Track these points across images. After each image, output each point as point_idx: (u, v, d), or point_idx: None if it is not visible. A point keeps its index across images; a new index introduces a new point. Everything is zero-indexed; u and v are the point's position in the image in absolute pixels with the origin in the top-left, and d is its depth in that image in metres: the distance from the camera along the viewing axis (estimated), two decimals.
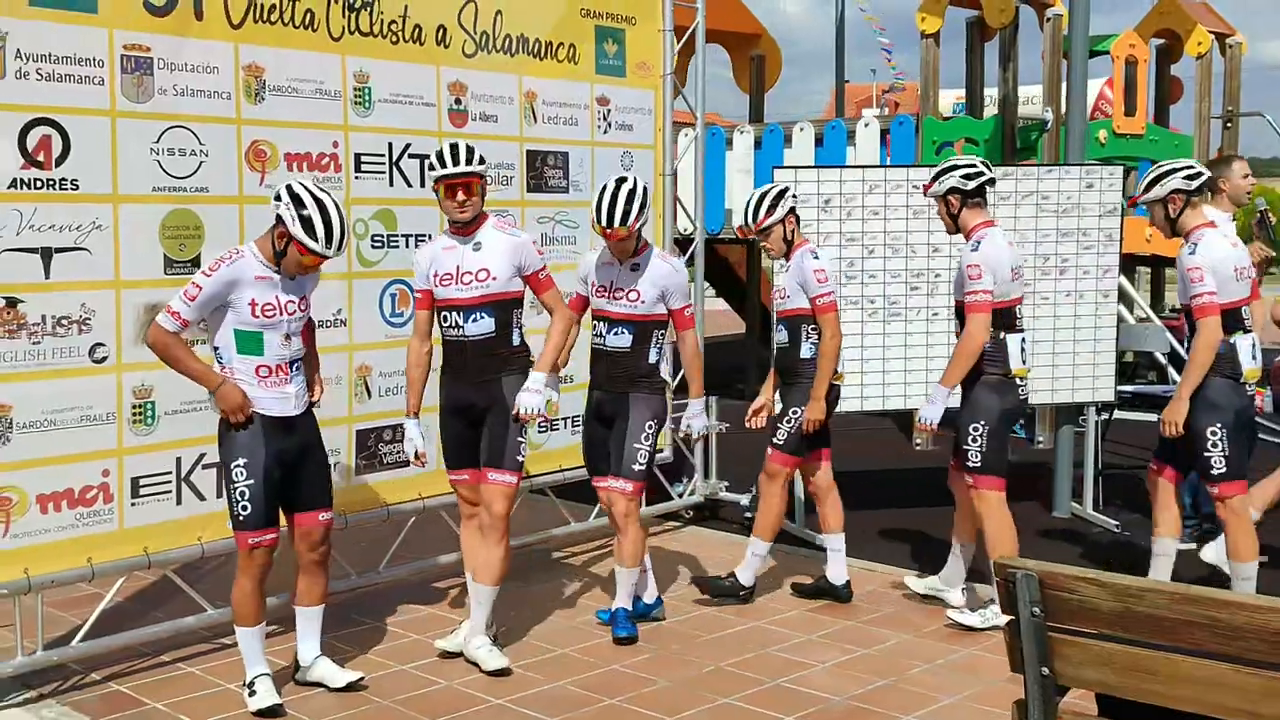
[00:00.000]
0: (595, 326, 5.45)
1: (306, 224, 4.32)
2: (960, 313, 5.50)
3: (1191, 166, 5.37)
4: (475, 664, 4.98)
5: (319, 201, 4.36)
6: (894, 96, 23.23)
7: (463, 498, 5.22)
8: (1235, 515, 5.32)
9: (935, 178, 5.63)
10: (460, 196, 4.87)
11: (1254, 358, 5.34)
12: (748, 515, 7.31)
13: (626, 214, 5.17)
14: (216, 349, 4.48)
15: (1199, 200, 5.40)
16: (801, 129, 10.29)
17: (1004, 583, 2.72)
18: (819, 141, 10.21)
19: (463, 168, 4.84)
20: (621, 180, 5.26)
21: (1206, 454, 5.26)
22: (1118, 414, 10.41)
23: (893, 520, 7.56)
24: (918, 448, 9.73)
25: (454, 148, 4.89)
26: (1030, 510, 7.71)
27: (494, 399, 4.99)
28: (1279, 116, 12.69)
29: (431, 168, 4.91)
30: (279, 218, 4.37)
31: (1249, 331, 5.34)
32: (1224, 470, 5.23)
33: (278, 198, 4.38)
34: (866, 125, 9.91)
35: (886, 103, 23.48)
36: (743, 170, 10.70)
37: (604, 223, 5.19)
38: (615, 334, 5.38)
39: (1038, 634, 2.70)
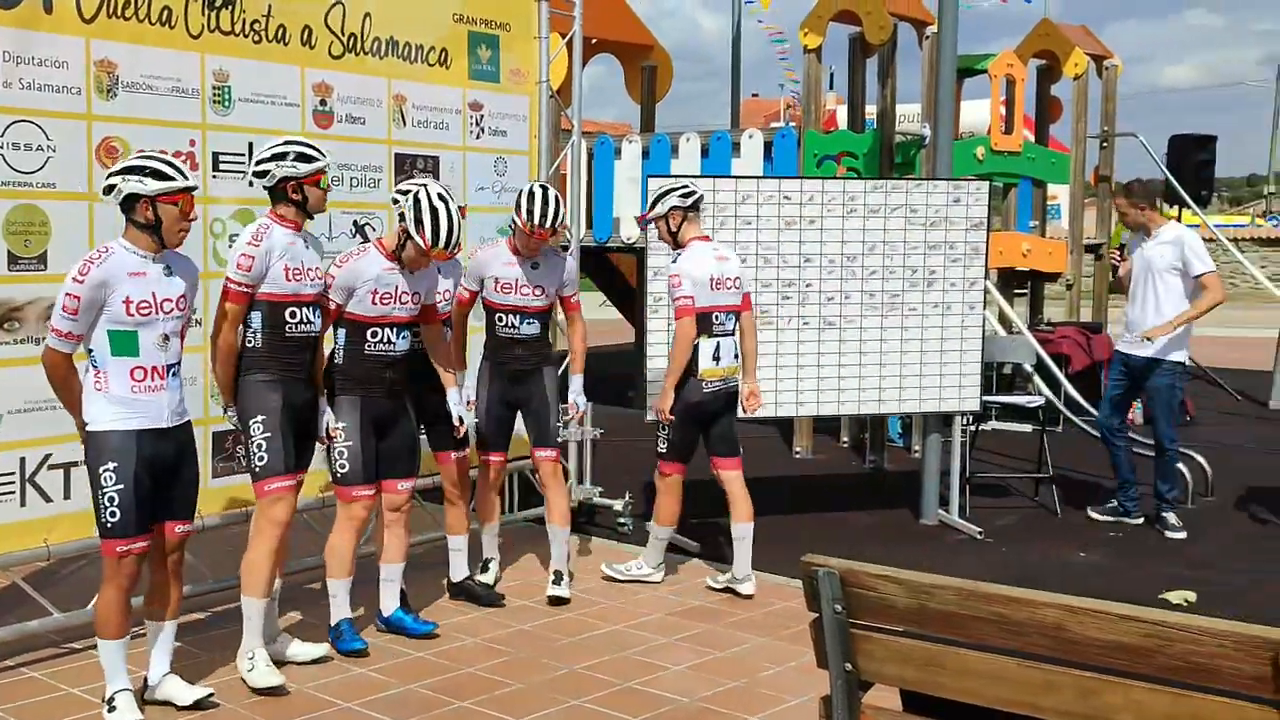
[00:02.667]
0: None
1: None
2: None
3: (686, 185, 6.20)
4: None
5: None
6: (797, 113, 23.52)
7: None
8: (667, 487, 6.30)
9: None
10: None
11: (715, 359, 6.13)
12: (621, 521, 7.36)
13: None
14: (90, 351, 4.31)
15: (694, 215, 6.19)
16: (688, 139, 10.37)
17: (807, 579, 2.78)
18: (705, 152, 10.29)
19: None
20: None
21: (658, 435, 6.23)
22: (994, 424, 10.71)
23: (769, 527, 7.62)
24: (797, 456, 9.87)
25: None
26: (899, 517, 7.87)
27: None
28: (1161, 138, 13.15)
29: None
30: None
31: (715, 336, 6.10)
32: (665, 450, 6.21)
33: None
34: (750, 137, 10.02)
35: (792, 116, 23.78)
36: (631, 179, 10.75)
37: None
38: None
39: (840, 630, 2.76)
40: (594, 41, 12.31)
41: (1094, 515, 7.76)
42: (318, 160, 4.82)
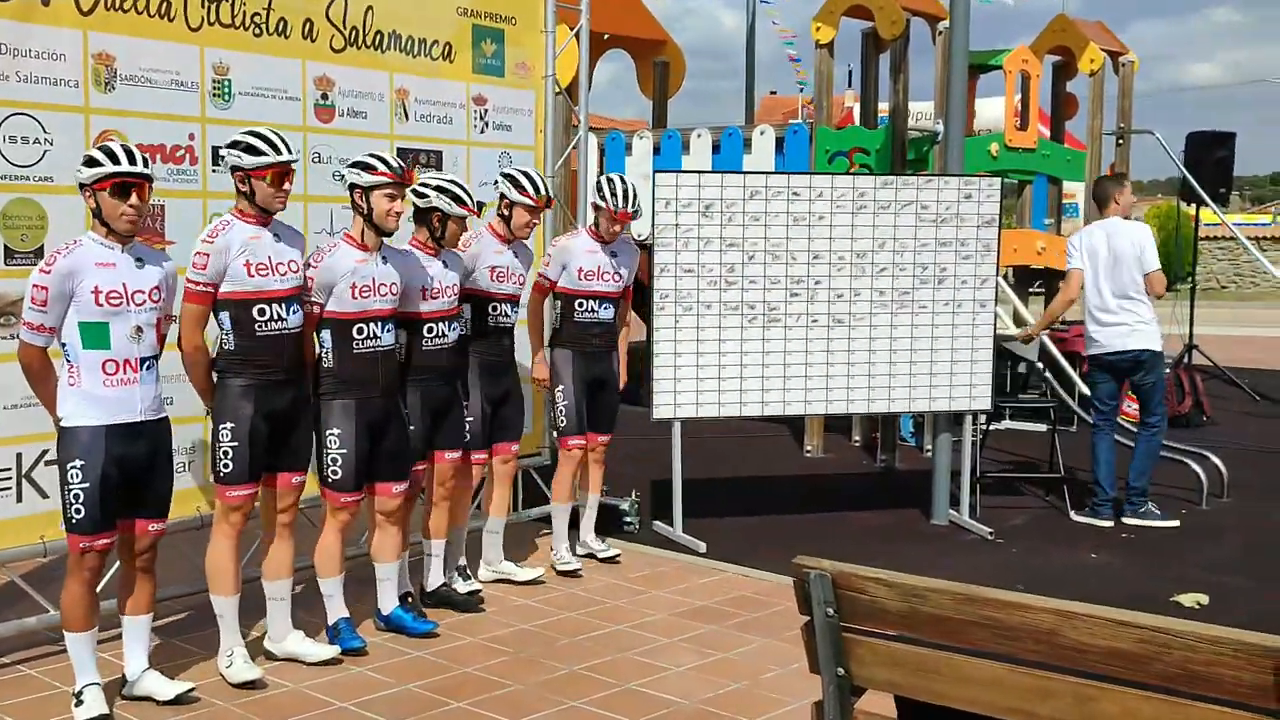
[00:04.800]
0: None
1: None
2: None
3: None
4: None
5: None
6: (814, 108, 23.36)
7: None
8: (565, 460, 6.54)
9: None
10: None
11: None
12: (627, 520, 7.29)
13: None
14: (64, 345, 4.29)
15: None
16: (699, 135, 10.29)
17: (798, 582, 2.71)
18: (716, 149, 10.22)
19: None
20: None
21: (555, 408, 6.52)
22: (1007, 424, 10.61)
23: (777, 526, 7.56)
24: (808, 455, 9.79)
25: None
26: (910, 516, 7.79)
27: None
28: (1183, 136, 12.99)
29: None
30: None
31: None
32: (565, 424, 6.46)
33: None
34: (762, 133, 9.94)
35: (809, 114, 23.64)
36: (642, 175, 10.67)
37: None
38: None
39: (832, 634, 2.70)
40: (606, 37, 12.24)
41: (1127, 520, 7.64)
42: (266, 155, 4.64)
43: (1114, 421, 7.70)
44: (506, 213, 5.95)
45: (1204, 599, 6.10)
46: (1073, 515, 7.71)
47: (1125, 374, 7.55)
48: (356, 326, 5.04)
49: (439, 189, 5.42)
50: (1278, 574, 6.64)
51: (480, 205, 5.51)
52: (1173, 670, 2.24)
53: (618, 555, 6.65)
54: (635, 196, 6.32)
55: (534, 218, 5.99)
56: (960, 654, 2.52)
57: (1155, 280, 7.39)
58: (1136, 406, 7.90)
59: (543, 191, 5.95)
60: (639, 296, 13.29)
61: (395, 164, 5.05)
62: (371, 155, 5.07)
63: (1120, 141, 12.25)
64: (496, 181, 6.03)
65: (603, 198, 6.27)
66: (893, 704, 2.77)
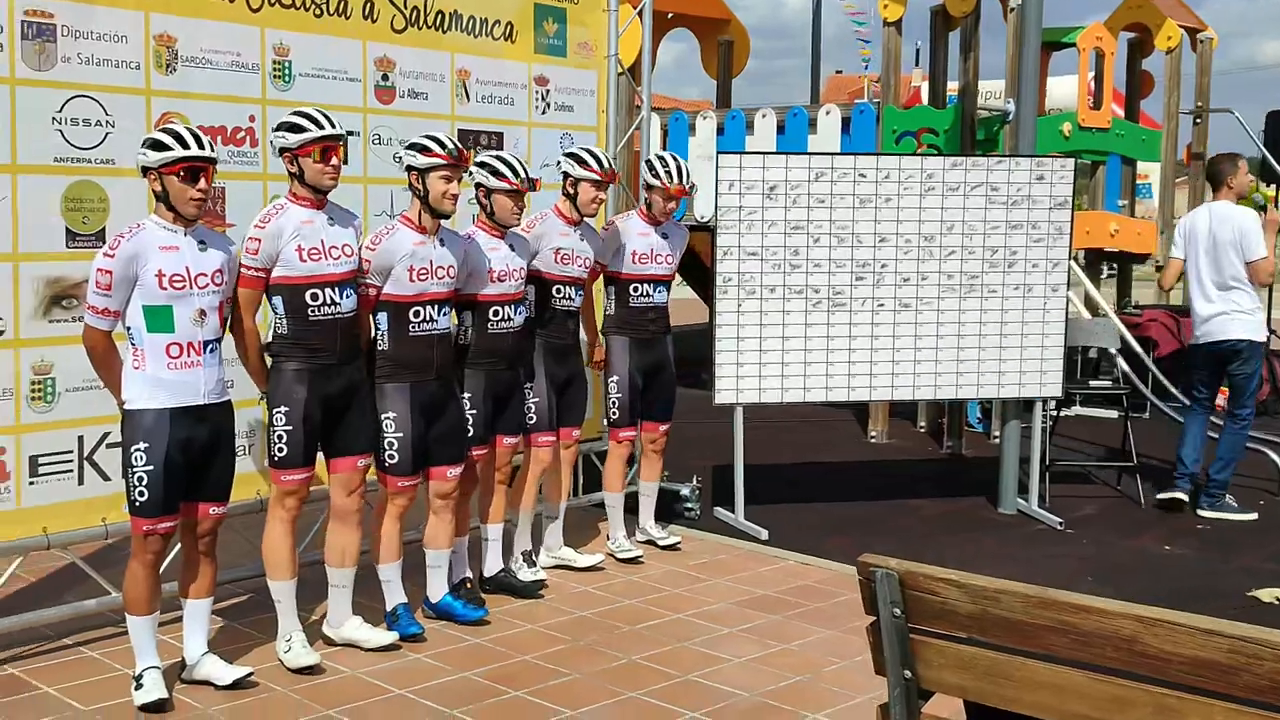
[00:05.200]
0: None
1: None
2: None
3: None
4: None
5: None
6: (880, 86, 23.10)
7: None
8: (616, 450, 6.49)
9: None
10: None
11: None
12: (688, 507, 7.21)
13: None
14: (129, 329, 4.30)
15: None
16: (764, 115, 10.15)
17: (864, 581, 2.62)
18: (780, 129, 10.08)
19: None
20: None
21: (606, 397, 6.42)
22: (1077, 410, 10.39)
23: (839, 514, 7.45)
24: (872, 441, 9.65)
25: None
26: (976, 505, 7.64)
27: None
28: (1259, 114, 12.64)
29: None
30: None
31: None
32: (617, 416, 6.37)
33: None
34: (828, 113, 9.78)
35: (875, 93, 23.36)
36: (705, 156, 10.56)
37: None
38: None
39: (899, 635, 2.60)
40: (670, 16, 12.13)
41: (1203, 513, 7.43)
42: (309, 131, 4.59)
43: (1210, 408, 7.50)
44: (572, 191, 5.87)
45: None
46: (1156, 496, 7.52)
47: (1223, 363, 7.32)
48: (413, 309, 4.99)
49: (481, 164, 5.37)
50: None
51: (531, 181, 5.39)
52: (1263, 683, 2.12)
53: (678, 543, 6.58)
54: (687, 172, 6.23)
55: (600, 193, 5.90)
56: (1033, 659, 2.42)
57: (1258, 269, 7.12)
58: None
59: (606, 166, 5.88)
60: (702, 278, 13.20)
61: (451, 145, 4.98)
62: (428, 136, 5.01)
63: (1198, 120, 11.94)
64: (559, 162, 5.96)
65: (655, 175, 6.17)
66: (960, 708, 2.67)
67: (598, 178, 5.86)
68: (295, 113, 4.68)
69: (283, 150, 4.66)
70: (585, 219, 5.97)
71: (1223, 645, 2.14)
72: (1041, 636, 2.38)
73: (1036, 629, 2.38)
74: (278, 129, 4.67)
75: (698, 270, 13.09)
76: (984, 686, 2.51)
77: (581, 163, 5.83)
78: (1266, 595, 5.91)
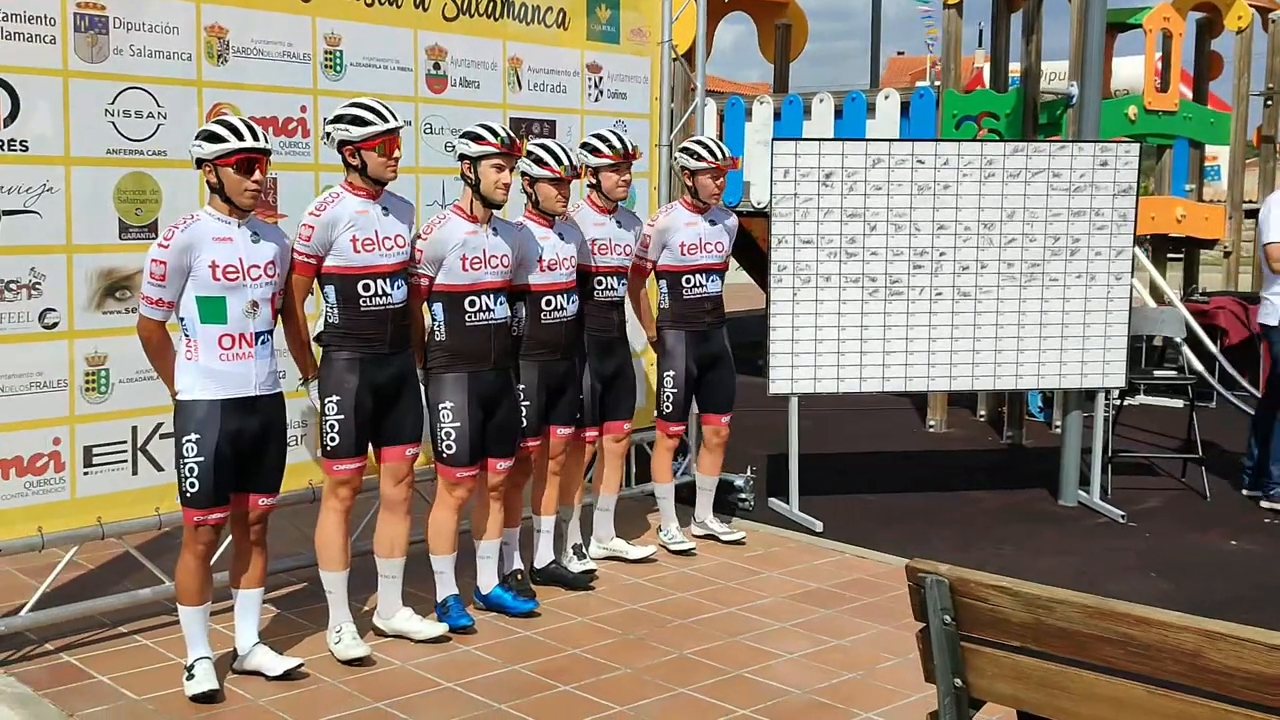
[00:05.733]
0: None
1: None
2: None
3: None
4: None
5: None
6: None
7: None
8: (665, 443, 6.37)
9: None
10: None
11: None
12: (742, 498, 7.15)
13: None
14: (182, 320, 4.31)
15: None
16: (821, 100, 10.04)
17: (915, 588, 2.55)
18: (838, 113, 9.96)
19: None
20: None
21: (660, 390, 6.28)
22: (1141, 399, 10.19)
23: (896, 505, 7.35)
24: (930, 430, 9.53)
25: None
26: (1036, 497, 7.52)
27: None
28: None
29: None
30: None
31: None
32: (670, 411, 6.25)
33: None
34: (886, 98, 9.64)
35: (937, 75, 23.09)
36: (762, 141, 10.46)
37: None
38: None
39: (950, 643, 2.53)
40: (727, 0, 12.03)
41: (1266, 505, 7.25)
42: (374, 124, 4.58)
43: None
44: (594, 180, 5.76)
45: None
46: (1243, 493, 7.36)
47: None
48: (468, 299, 4.96)
49: (525, 152, 5.31)
50: None
51: (574, 168, 5.33)
52: None
53: (743, 537, 6.46)
54: (724, 147, 6.12)
55: (621, 175, 5.68)
56: (1091, 670, 2.34)
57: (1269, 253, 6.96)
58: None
59: (618, 146, 5.64)
60: (760, 265, 13.11)
61: (504, 134, 4.94)
62: (481, 125, 4.97)
63: (1269, 103, 11.64)
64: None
65: (699, 158, 6.01)
66: (1012, 718, 2.59)
67: (611, 161, 5.66)
68: (356, 104, 4.66)
69: (344, 143, 4.64)
70: (620, 205, 5.82)
71: None
72: (1098, 648, 2.30)
73: (1093, 640, 2.30)
74: (338, 121, 4.64)
75: (757, 256, 12.99)
76: (1039, 698, 2.44)
77: (594, 150, 5.64)
78: None
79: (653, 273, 6.19)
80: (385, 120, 4.61)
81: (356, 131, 4.60)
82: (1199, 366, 8.91)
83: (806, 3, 12.69)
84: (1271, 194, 7.39)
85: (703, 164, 6.03)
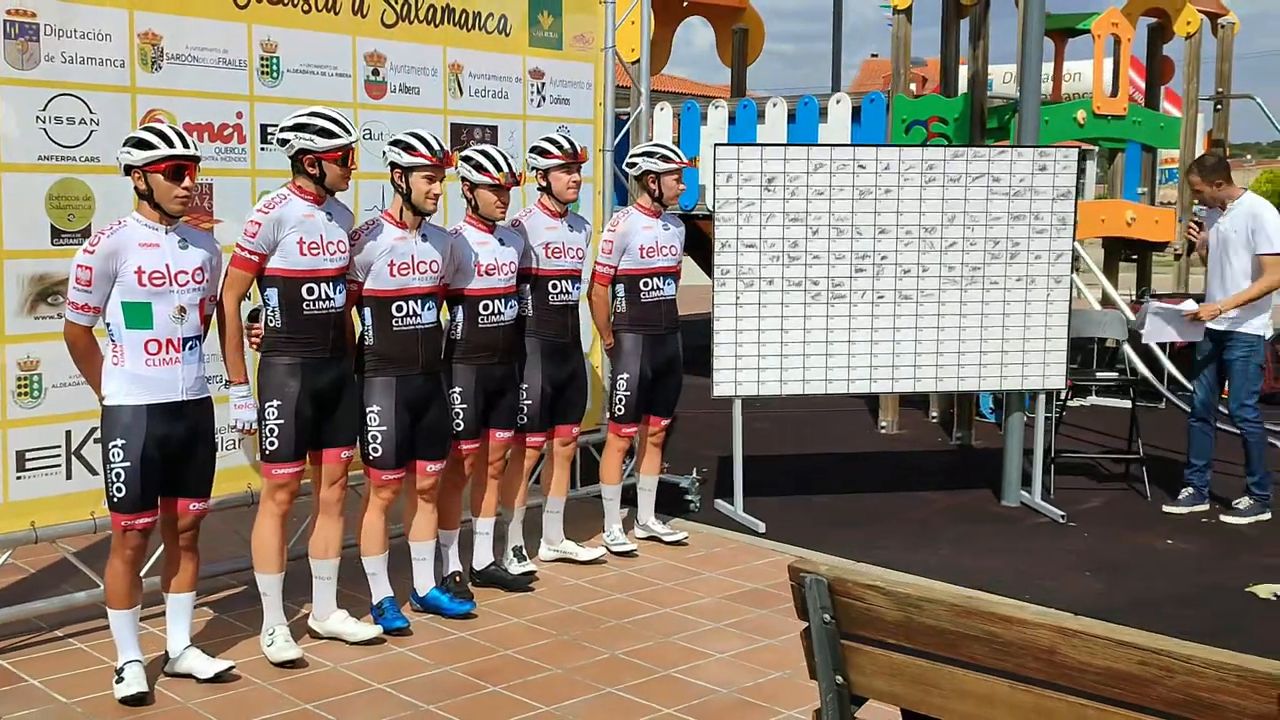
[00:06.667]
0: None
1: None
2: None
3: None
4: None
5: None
6: (919, 71, 22.93)
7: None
8: (616, 444, 6.45)
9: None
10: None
11: None
12: (689, 499, 7.21)
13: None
14: (108, 325, 4.35)
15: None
16: (774, 105, 10.11)
17: (796, 587, 2.61)
18: (792, 118, 10.03)
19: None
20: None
21: (613, 393, 6.38)
22: (1093, 400, 10.30)
23: (843, 506, 7.42)
24: (882, 431, 9.61)
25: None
26: (981, 497, 7.60)
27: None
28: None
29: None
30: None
31: None
32: (622, 413, 6.33)
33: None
34: (838, 102, 9.72)
35: (912, 78, 23.19)
36: (717, 145, 10.53)
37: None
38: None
39: (830, 641, 2.60)
40: (685, 4, 12.10)
41: (1169, 510, 7.32)
42: (340, 137, 4.66)
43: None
44: (545, 183, 5.81)
45: None
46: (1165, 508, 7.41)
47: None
48: (396, 304, 5.01)
49: (464, 158, 5.37)
50: None
51: (513, 175, 5.38)
52: (1175, 695, 2.10)
53: (685, 538, 6.54)
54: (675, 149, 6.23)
55: (571, 175, 5.75)
56: (959, 667, 2.40)
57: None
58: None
59: (567, 146, 5.74)
60: (709, 265, 13.18)
61: (436, 145, 5.00)
62: (412, 134, 5.02)
63: (1219, 107, 11.78)
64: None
65: (665, 160, 6.12)
66: (893, 714, 2.66)
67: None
68: (318, 114, 4.72)
69: (306, 151, 4.68)
70: (569, 208, 5.89)
71: (1135, 657, 2.13)
72: (965, 645, 2.37)
73: (960, 638, 2.37)
74: (300, 130, 4.68)
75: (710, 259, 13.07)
76: (914, 694, 2.51)
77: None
78: (1264, 591, 5.84)
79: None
80: (349, 134, 4.71)
81: (321, 143, 4.66)
82: (1143, 368, 9.01)
83: (778, 3, 12.78)
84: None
85: (668, 166, 6.13)
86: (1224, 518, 7.09)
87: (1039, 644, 2.24)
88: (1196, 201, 7.96)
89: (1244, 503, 7.12)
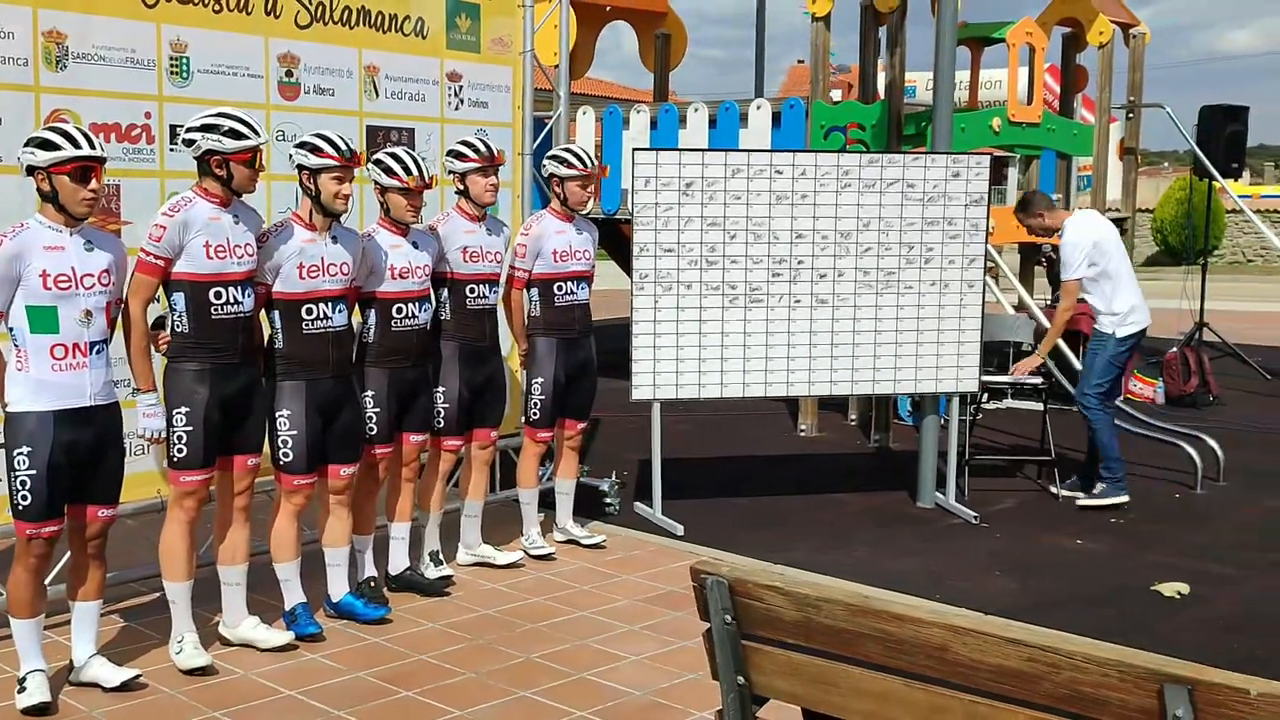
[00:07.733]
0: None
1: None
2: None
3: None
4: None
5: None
6: (844, 78, 23.18)
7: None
8: (532, 448, 6.42)
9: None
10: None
11: None
12: (608, 502, 7.22)
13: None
14: (12, 330, 4.26)
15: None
16: (695, 109, 10.15)
17: (698, 589, 2.63)
18: (713, 123, 10.08)
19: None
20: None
21: (528, 397, 6.35)
22: (1009, 403, 10.46)
23: (761, 509, 7.47)
24: (801, 434, 9.69)
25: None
26: (897, 499, 7.68)
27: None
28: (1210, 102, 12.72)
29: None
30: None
31: None
32: (538, 418, 6.32)
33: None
34: (759, 108, 9.79)
35: (838, 84, 23.41)
36: (640, 150, 10.56)
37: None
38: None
39: (731, 642, 2.62)
40: (608, 9, 12.10)
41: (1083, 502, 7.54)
42: (249, 139, 4.61)
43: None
44: (462, 186, 5.78)
45: (1185, 588, 5.97)
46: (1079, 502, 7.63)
47: None
48: (305, 307, 4.96)
49: (375, 161, 5.34)
50: (1264, 562, 6.51)
51: (427, 178, 5.35)
52: (1061, 691, 2.15)
53: (603, 541, 6.55)
54: (591, 156, 6.27)
55: (488, 178, 5.72)
56: (856, 666, 2.44)
57: None
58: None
59: (483, 150, 5.72)
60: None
61: (344, 146, 4.96)
62: (319, 136, 4.98)
63: (1130, 115, 12.03)
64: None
65: (568, 165, 6.13)
66: (794, 714, 2.69)
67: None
68: (225, 115, 4.65)
69: (214, 152, 4.61)
70: (488, 212, 5.88)
71: (1023, 654, 2.17)
72: (861, 644, 2.41)
73: (856, 637, 2.41)
74: (208, 130, 4.60)
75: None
76: (813, 693, 2.54)
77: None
78: (1168, 590, 5.98)
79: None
80: (258, 135, 4.65)
81: (230, 144, 4.60)
82: (1055, 371, 9.16)
83: (706, 8, 12.86)
84: (1092, 223, 7.56)
85: (572, 171, 6.12)
86: (1079, 501, 7.52)
87: (931, 642, 2.28)
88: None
89: (1099, 487, 7.51)
